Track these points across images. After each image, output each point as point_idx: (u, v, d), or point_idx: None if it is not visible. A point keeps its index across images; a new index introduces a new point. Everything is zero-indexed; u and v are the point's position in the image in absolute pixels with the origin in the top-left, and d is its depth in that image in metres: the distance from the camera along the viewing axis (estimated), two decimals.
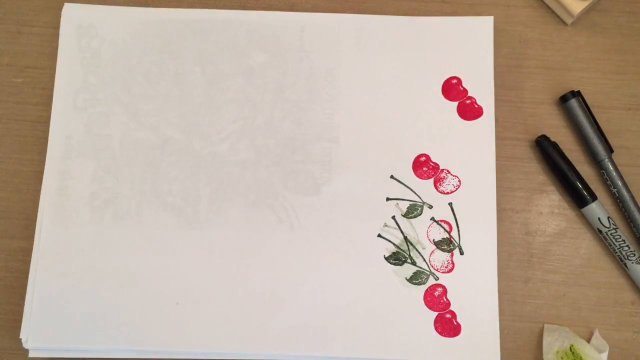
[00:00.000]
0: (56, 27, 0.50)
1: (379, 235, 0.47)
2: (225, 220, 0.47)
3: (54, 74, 0.49)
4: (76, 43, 0.49)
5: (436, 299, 0.46)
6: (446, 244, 0.47)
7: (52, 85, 0.49)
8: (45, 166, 0.48)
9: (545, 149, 0.48)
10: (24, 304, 0.46)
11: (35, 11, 0.51)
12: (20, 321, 0.45)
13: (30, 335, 0.45)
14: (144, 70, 0.49)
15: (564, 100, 0.49)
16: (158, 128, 0.48)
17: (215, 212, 0.47)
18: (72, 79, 0.49)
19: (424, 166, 0.48)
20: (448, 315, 0.46)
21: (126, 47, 0.49)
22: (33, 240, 0.47)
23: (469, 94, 0.48)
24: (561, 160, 0.47)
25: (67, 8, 0.50)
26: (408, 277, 0.46)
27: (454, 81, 0.49)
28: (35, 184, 0.48)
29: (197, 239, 0.47)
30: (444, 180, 0.47)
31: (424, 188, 0.47)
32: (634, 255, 0.46)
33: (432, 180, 0.48)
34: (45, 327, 0.45)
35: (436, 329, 0.45)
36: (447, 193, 0.47)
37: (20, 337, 0.45)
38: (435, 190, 0.47)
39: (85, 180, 0.47)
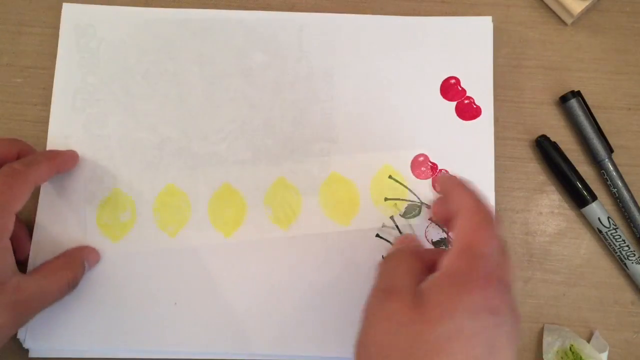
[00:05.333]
0: (56, 27, 0.50)
1: (377, 235, 0.47)
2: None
3: (54, 74, 0.49)
4: (75, 43, 0.50)
5: None
6: (444, 244, 0.47)
7: (52, 86, 0.49)
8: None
9: (545, 149, 0.48)
10: None
11: (35, 11, 0.52)
12: None
13: (27, 334, 0.45)
14: (142, 70, 0.49)
15: (564, 100, 0.48)
16: (156, 128, 0.48)
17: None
18: (71, 79, 0.49)
19: (422, 166, 0.48)
20: None
21: (125, 47, 0.49)
22: (31, 240, 0.47)
23: (468, 94, 0.48)
24: (561, 160, 0.47)
25: (66, 8, 0.50)
26: None
27: (453, 81, 0.49)
28: None
29: (195, 238, 0.47)
30: None
31: (423, 188, 0.47)
32: (634, 255, 0.46)
33: (430, 180, 0.48)
34: (43, 327, 0.45)
35: None
36: None
37: (17, 336, 0.45)
38: (434, 190, 0.47)
39: (83, 180, 0.47)
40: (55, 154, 0.46)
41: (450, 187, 0.38)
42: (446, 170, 0.47)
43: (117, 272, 0.46)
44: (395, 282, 0.34)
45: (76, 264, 0.44)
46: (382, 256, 0.46)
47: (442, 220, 0.42)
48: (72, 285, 0.43)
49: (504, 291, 0.32)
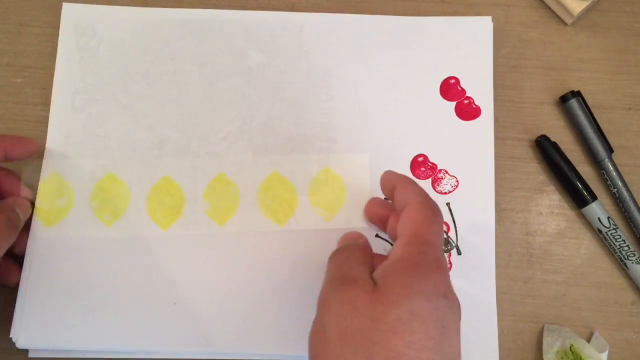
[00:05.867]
0: (56, 27, 0.50)
1: (377, 236, 0.47)
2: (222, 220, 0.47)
3: (54, 74, 0.49)
4: (74, 43, 0.50)
5: None
6: (444, 244, 0.47)
7: (52, 85, 0.49)
8: (43, 166, 0.48)
9: (545, 149, 0.48)
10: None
11: (35, 11, 0.52)
12: None
13: (20, 335, 0.44)
14: (142, 70, 0.49)
15: (564, 100, 0.48)
16: (156, 128, 0.48)
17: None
18: (71, 79, 0.49)
19: (421, 166, 0.48)
20: None
21: (124, 47, 0.49)
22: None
23: (467, 94, 0.48)
24: (561, 160, 0.47)
25: (66, 8, 0.50)
26: None
27: (452, 81, 0.49)
28: None
29: (194, 238, 0.46)
30: (442, 181, 0.47)
31: None
32: (634, 255, 0.46)
33: (430, 180, 0.48)
34: (36, 327, 0.44)
35: None
36: (445, 193, 0.47)
37: (10, 336, 0.44)
38: (433, 190, 0.47)
39: (82, 180, 0.47)
40: (5, 135, 0.47)
41: (398, 182, 0.40)
42: (446, 171, 0.47)
43: (115, 271, 0.46)
44: (350, 271, 0.35)
45: (4, 207, 0.44)
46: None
47: (377, 219, 0.44)
48: (10, 225, 0.43)
49: (449, 279, 0.34)
